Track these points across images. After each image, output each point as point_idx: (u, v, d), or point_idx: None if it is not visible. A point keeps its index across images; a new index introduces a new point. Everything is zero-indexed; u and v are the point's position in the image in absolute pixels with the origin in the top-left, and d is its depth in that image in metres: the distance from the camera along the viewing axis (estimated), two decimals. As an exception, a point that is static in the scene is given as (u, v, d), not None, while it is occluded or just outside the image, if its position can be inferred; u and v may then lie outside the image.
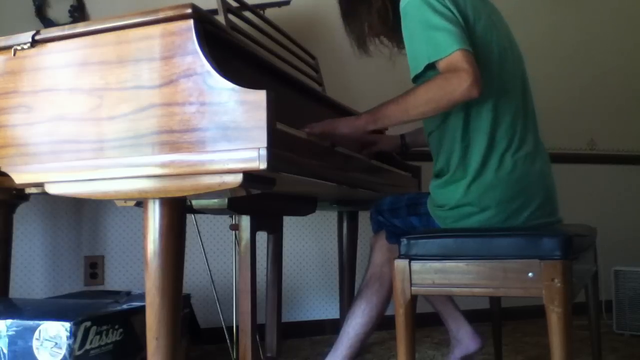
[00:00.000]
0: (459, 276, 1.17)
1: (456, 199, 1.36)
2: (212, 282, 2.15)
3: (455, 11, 1.29)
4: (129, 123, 1.06)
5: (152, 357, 1.10)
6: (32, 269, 2.27)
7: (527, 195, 1.34)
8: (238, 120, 0.97)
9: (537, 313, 1.61)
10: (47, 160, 1.12)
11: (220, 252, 2.49)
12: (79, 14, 2.34)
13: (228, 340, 1.93)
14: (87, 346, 1.38)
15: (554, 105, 2.78)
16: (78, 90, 1.11)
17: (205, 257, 2.20)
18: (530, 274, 1.11)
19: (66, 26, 1.15)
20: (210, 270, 2.17)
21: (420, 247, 1.22)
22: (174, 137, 1.02)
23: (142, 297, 1.27)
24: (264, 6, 2.12)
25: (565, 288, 1.07)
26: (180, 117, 1.02)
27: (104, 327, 1.44)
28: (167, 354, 1.10)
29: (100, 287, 2.33)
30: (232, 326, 1.82)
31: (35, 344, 1.36)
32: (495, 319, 1.82)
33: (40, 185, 1.15)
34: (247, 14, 1.76)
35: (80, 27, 1.13)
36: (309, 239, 2.66)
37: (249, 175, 0.99)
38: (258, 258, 1.48)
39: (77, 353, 1.36)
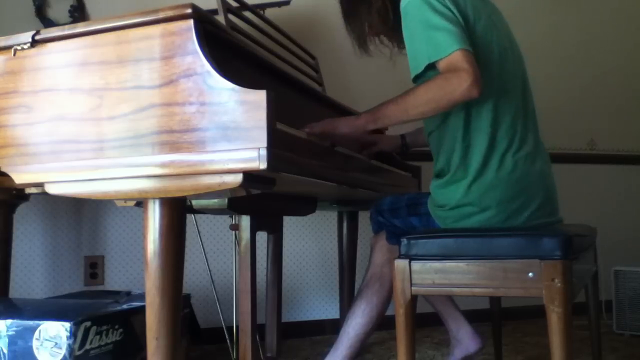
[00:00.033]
0: (459, 276, 1.17)
1: (457, 199, 1.36)
2: (212, 282, 2.15)
3: (455, 11, 1.29)
4: (129, 123, 1.06)
5: (152, 357, 1.10)
6: (32, 269, 2.27)
7: (528, 195, 1.34)
8: (238, 120, 0.97)
9: (537, 313, 1.61)
10: (47, 160, 1.12)
11: (220, 252, 2.49)
12: (79, 14, 2.34)
13: (228, 340, 1.93)
14: (87, 346, 1.38)
15: (554, 105, 2.77)
16: (78, 90, 1.11)
17: (205, 257, 2.20)
18: (530, 274, 1.11)
19: (66, 26, 1.15)
20: (210, 270, 2.17)
21: (420, 247, 1.22)
22: (174, 137, 1.02)
23: (142, 297, 1.27)
24: (264, 6, 2.12)
25: (565, 288, 1.07)
26: (180, 117, 1.02)
27: (104, 327, 1.44)
28: (167, 354, 1.10)
29: (100, 287, 2.33)
30: (232, 326, 1.82)
31: (35, 344, 1.36)
32: (495, 319, 1.82)
33: (40, 185, 1.15)
34: (247, 14, 1.76)
35: (80, 27, 1.13)
36: (309, 239, 2.66)
37: (249, 175, 0.99)
38: (258, 258, 1.48)
39: (77, 353, 1.36)
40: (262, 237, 1.67)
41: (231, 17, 1.57)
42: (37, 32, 1.16)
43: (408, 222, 1.51)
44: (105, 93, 1.09)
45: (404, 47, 1.38)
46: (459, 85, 1.20)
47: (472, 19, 1.33)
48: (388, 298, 1.54)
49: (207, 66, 1.00)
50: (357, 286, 1.82)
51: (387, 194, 1.65)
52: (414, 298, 1.21)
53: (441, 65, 1.24)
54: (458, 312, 1.82)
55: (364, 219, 2.26)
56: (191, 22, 1.03)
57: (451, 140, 1.37)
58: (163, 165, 1.02)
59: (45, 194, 1.19)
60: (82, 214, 2.35)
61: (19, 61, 1.18)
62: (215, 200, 1.26)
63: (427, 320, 2.11)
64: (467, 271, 1.17)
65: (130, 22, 1.07)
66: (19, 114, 1.16)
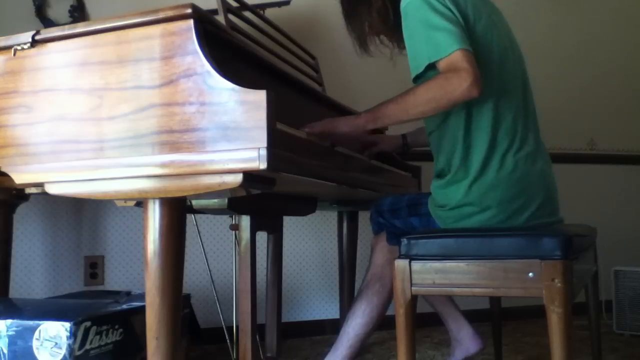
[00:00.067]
0: (460, 276, 1.17)
1: (457, 199, 1.36)
2: (212, 282, 2.15)
3: (455, 11, 1.29)
4: (129, 123, 1.06)
5: (152, 357, 1.10)
6: (32, 269, 2.27)
7: (528, 195, 1.34)
8: (238, 120, 0.97)
9: (537, 313, 1.61)
10: (47, 160, 1.12)
11: (220, 252, 2.49)
12: (79, 14, 2.34)
13: (228, 340, 1.93)
14: (87, 346, 1.38)
15: (554, 105, 2.77)
16: (78, 90, 1.11)
17: (205, 257, 2.20)
18: (530, 274, 1.11)
19: (66, 26, 1.14)
20: (210, 270, 2.17)
21: (420, 247, 1.22)
22: (174, 137, 1.02)
23: (142, 297, 1.27)
24: (264, 6, 2.12)
25: (565, 288, 1.07)
26: (180, 117, 1.02)
27: (104, 327, 1.44)
28: (167, 354, 1.10)
29: (100, 287, 2.33)
30: (232, 326, 1.82)
31: (35, 344, 1.36)
32: (495, 319, 1.82)
33: (40, 185, 1.15)
34: (247, 14, 1.76)
35: (80, 27, 1.13)
36: (309, 239, 2.66)
37: (249, 175, 0.99)
38: (258, 258, 1.48)
39: (77, 353, 1.36)
40: (262, 237, 1.67)
41: (231, 17, 1.57)
42: (37, 32, 1.16)
43: (408, 223, 1.51)
44: (105, 93, 1.09)
45: (404, 47, 1.38)
46: (459, 84, 1.20)
47: (472, 19, 1.33)
48: (388, 299, 1.53)
49: (207, 66, 1.00)
50: (357, 286, 1.82)
51: (387, 194, 1.65)
52: (414, 298, 1.21)
53: (441, 65, 1.24)
54: (458, 313, 1.82)
55: (364, 219, 2.26)
56: (191, 22, 1.03)
57: (452, 140, 1.37)
58: (163, 165, 1.02)
59: (45, 194, 1.19)
60: (82, 214, 2.35)
61: (19, 61, 1.18)
62: (215, 200, 1.26)
63: (427, 320, 2.12)
64: (467, 271, 1.17)
65: (130, 22, 1.07)
66: (19, 114, 1.16)
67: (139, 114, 1.05)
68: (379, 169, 1.79)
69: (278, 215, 1.67)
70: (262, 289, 1.66)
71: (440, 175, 1.42)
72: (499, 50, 1.37)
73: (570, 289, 1.08)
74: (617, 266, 2.55)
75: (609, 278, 2.53)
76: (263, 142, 0.95)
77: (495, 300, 1.82)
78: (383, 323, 1.57)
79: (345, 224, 2.33)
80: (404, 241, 1.23)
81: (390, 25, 1.50)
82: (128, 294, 1.81)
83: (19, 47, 1.17)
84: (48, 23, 2.27)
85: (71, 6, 2.33)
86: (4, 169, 1.17)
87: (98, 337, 1.42)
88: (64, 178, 1.11)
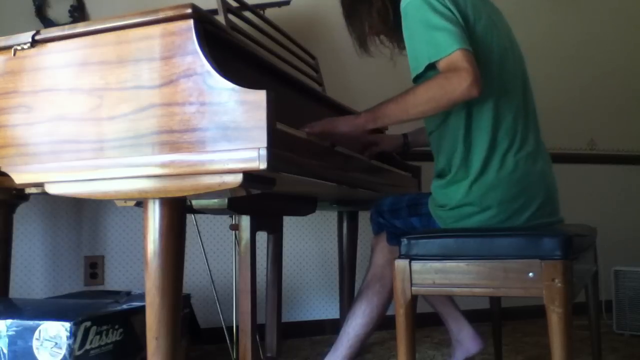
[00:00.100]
0: (460, 276, 1.17)
1: (457, 199, 1.36)
2: (212, 282, 2.15)
3: (455, 11, 1.29)
4: (129, 123, 1.06)
5: (152, 357, 1.10)
6: (32, 269, 2.26)
7: (529, 195, 1.34)
8: (238, 120, 0.97)
9: (537, 313, 1.61)
10: (47, 160, 1.12)
11: (220, 252, 2.49)
12: (79, 14, 2.34)
13: (228, 340, 1.93)
14: (87, 346, 1.38)
15: (554, 105, 2.77)
16: (78, 90, 1.11)
17: (205, 257, 2.20)
18: (530, 274, 1.11)
19: (66, 26, 1.14)
20: (210, 270, 2.17)
21: (420, 247, 1.22)
22: (174, 137, 1.02)
23: (142, 297, 1.27)
24: (264, 6, 2.12)
25: (565, 288, 1.07)
26: (180, 117, 1.01)
27: (104, 327, 1.44)
28: (167, 354, 1.10)
29: (100, 287, 2.33)
30: (232, 326, 1.82)
31: (35, 344, 1.36)
32: (495, 319, 1.82)
33: (40, 185, 1.15)
34: (247, 14, 1.76)
35: (80, 27, 1.13)
36: (309, 239, 2.66)
37: (249, 175, 0.99)
38: (258, 258, 1.48)
39: (77, 353, 1.36)
40: (262, 237, 1.67)
41: (231, 17, 1.57)
42: (37, 32, 1.16)
43: (409, 223, 1.51)
44: (105, 93, 1.09)
45: (404, 48, 1.38)
46: (459, 84, 1.20)
47: (472, 19, 1.33)
48: (389, 299, 1.53)
49: (207, 66, 1.00)
50: (357, 286, 1.82)
51: (387, 194, 1.65)
52: (414, 298, 1.20)
53: (441, 65, 1.24)
54: (459, 313, 1.81)
55: (364, 219, 2.26)
56: (191, 22, 1.03)
57: (452, 140, 1.37)
58: (163, 165, 1.02)
59: (45, 194, 1.19)
60: (82, 214, 2.35)
61: (19, 61, 1.18)
62: (215, 200, 1.26)
63: (427, 320, 2.12)
64: (467, 271, 1.17)
65: (130, 22, 1.07)
66: (19, 114, 1.16)
67: (139, 114, 1.05)
68: (379, 169, 1.79)
69: (278, 215, 1.67)
70: (262, 289, 1.66)
71: (440, 175, 1.42)
72: (499, 50, 1.37)
73: (570, 289, 1.08)
74: (617, 266, 2.55)
75: (609, 278, 2.53)
76: (263, 142, 0.95)
77: (495, 300, 1.82)
78: (383, 323, 1.57)
79: (345, 224, 2.33)
80: (404, 241, 1.23)
81: (390, 25, 1.50)
82: (128, 294, 1.81)
83: (19, 47, 1.17)
84: (48, 23, 2.27)
85: (71, 6, 2.33)
86: (4, 169, 1.17)
87: (98, 337, 1.42)
88: (64, 178, 1.11)
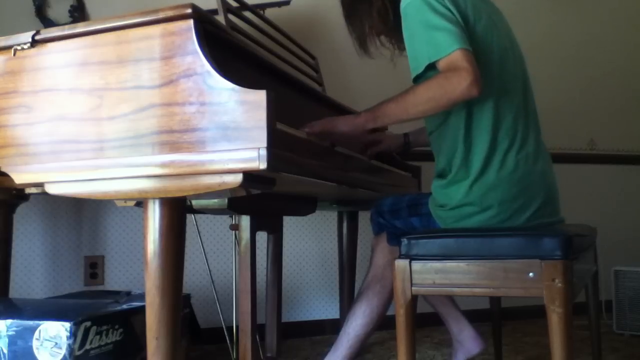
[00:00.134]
0: (460, 276, 1.17)
1: (458, 199, 1.35)
2: (212, 282, 2.15)
3: (455, 11, 1.29)
4: (129, 123, 1.06)
5: (152, 357, 1.10)
6: (32, 269, 2.26)
7: (529, 195, 1.34)
8: (238, 120, 0.97)
9: (537, 313, 1.61)
10: (47, 160, 1.12)
11: (220, 252, 2.49)
12: (79, 14, 2.34)
13: (228, 340, 1.93)
14: (87, 346, 1.38)
15: (554, 106, 2.77)
16: (78, 90, 1.11)
17: (205, 257, 2.20)
18: (530, 274, 1.11)
19: (66, 26, 1.14)
20: (210, 270, 2.17)
21: (420, 247, 1.21)
22: (174, 137, 1.02)
23: (142, 297, 1.27)
24: (264, 6, 2.12)
25: (565, 288, 1.07)
26: (180, 117, 1.01)
27: (104, 327, 1.44)
28: (167, 354, 1.10)
29: (100, 287, 2.33)
30: (232, 326, 1.82)
31: (35, 344, 1.36)
32: (495, 319, 1.82)
33: (40, 185, 1.15)
34: (247, 14, 1.76)
35: (80, 27, 1.12)
36: (309, 239, 2.66)
37: (249, 175, 0.99)
38: (258, 258, 1.48)
39: (77, 353, 1.36)
40: (262, 237, 1.67)
41: (231, 17, 1.57)
42: (37, 32, 1.16)
43: (409, 223, 1.51)
44: (105, 93, 1.09)
45: (404, 48, 1.38)
46: (459, 84, 1.20)
47: (472, 19, 1.33)
48: (389, 299, 1.53)
49: (207, 66, 1.00)
50: (357, 286, 1.82)
51: (387, 194, 1.65)
52: (415, 298, 1.20)
53: (441, 65, 1.24)
54: (459, 313, 1.81)
55: (364, 219, 2.26)
56: (191, 22, 1.03)
57: (452, 140, 1.37)
58: (163, 165, 1.02)
59: (45, 194, 1.19)
60: (82, 214, 2.35)
61: (19, 61, 1.17)
62: (215, 200, 1.26)
63: (427, 320, 2.12)
64: (467, 271, 1.17)
65: (130, 22, 1.07)
66: (19, 114, 1.16)
67: (139, 114, 1.05)
68: (379, 169, 1.79)
69: (278, 215, 1.67)
70: (262, 289, 1.66)
71: (441, 175, 1.42)
72: (499, 50, 1.37)
73: (570, 289, 1.08)
74: (617, 266, 2.55)
75: (609, 278, 2.54)
76: (263, 142, 0.95)
77: (495, 300, 1.82)
78: (383, 323, 1.57)
79: (345, 224, 2.33)
80: (404, 241, 1.23)
81: (390, 25, 1.50)
82: (128, 294, 1.81)
83: (19, 47, 1.17)
84: (48, 23, 2.27)
85: (71, 6, 2.33)
86: (4, 169, 1.17)
87: (98, 337, 1.42)
88: (64, 178, 1.11)
